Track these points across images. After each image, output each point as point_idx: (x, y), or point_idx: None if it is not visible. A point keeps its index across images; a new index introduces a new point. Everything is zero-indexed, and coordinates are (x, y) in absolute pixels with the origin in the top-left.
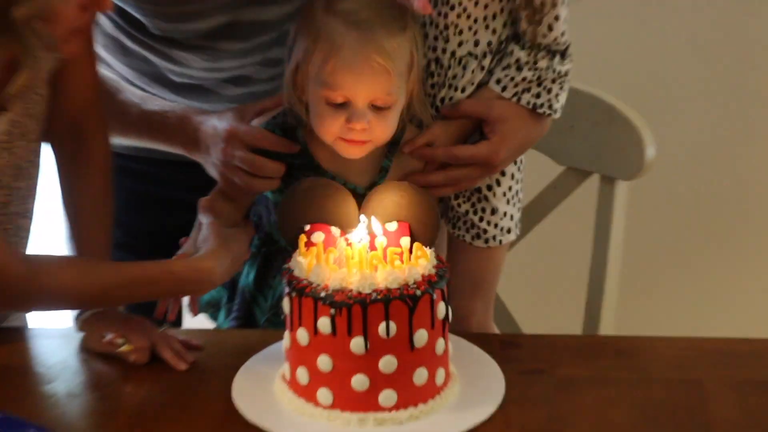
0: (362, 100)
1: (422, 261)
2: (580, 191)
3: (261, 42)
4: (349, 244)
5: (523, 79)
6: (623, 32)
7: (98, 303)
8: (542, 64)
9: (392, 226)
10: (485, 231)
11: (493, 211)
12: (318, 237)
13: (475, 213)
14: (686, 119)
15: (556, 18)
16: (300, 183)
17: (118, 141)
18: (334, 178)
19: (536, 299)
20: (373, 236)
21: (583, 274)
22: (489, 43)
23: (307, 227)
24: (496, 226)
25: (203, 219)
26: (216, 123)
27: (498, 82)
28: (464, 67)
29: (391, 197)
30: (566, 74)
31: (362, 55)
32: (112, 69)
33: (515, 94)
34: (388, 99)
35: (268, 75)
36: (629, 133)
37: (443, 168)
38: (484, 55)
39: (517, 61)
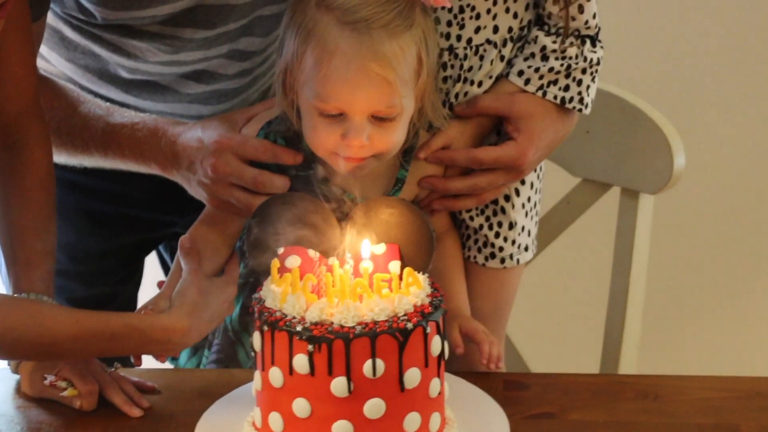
0: (360, 114)
1: (414, 289)
2: (597, 206)
3: (228, 30)
4: (329, 270)
5: (550, 70)
6: (651, 24)
7: (45, 355)
8: (571, 51)
9: (380, 248)
10: (501, 249)
11: (511, 226)
12: (293, 261)
13: (490, 228)
14: (720, 124)
15: None
16: (272, 198)
17: (80, 161)
18: (344, 192)
19: (546, 332)
20: (357, 260)
21: (600, 302)
22: (510, 29)
23: (281, 250)
24: (513, 243)
25: (184, 265)
26: (200, 134)
27: (520, 74)
28: (481, 58)
29: (377, 215)
30: (598, 63)
31: (357, 64)
32: (50, 64)
33: (540, 87)
34: (390, 111)
35: (235, 70)
36: (656, 140)
37: (464, 175)
38: (504, 43)
39: (543, 49)
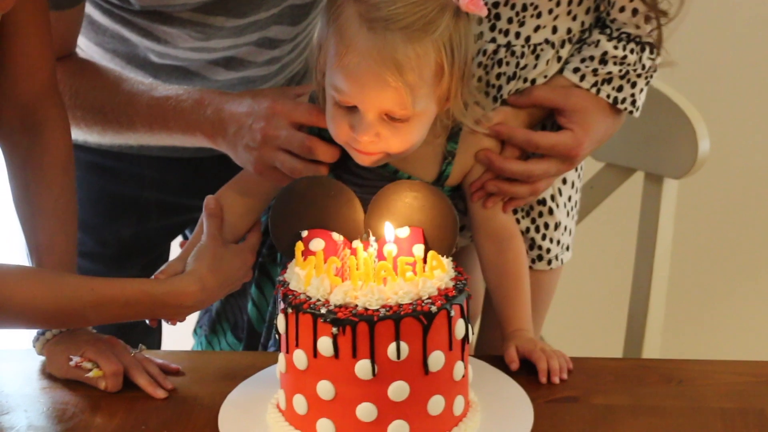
0: (369, 111)
1: (438, 272)
2: (621, 191)
3: (259, 19)
4: (353, 253)
5: (608, 73)
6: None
7: (65, 322)
8: (631, 59)
9: (404, 231)
10: (549, 250)
11: (556, 226)
12: (317, 244)
13: (537, 230)
14: (746, 108)
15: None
16: (296, 182)
17: (125, 139)
18: (396, 171)
19: (569, 317)
20: (381, 243)
21: (624, 287)
22: (569, 30)
23: (305, 233)
24: (558, 243)
25: (206, 227)
26: (250, 101)
27: (575, 71)
28: (537, 57)
29: (402, 198)
30: (655, 70)
31: (367, 64)
32: (78, 48)
33: (594, 84)
34: (402, 113)
35: (264, 58)
36: (680, 124)
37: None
38: (563, 44)
39: (604, 54)
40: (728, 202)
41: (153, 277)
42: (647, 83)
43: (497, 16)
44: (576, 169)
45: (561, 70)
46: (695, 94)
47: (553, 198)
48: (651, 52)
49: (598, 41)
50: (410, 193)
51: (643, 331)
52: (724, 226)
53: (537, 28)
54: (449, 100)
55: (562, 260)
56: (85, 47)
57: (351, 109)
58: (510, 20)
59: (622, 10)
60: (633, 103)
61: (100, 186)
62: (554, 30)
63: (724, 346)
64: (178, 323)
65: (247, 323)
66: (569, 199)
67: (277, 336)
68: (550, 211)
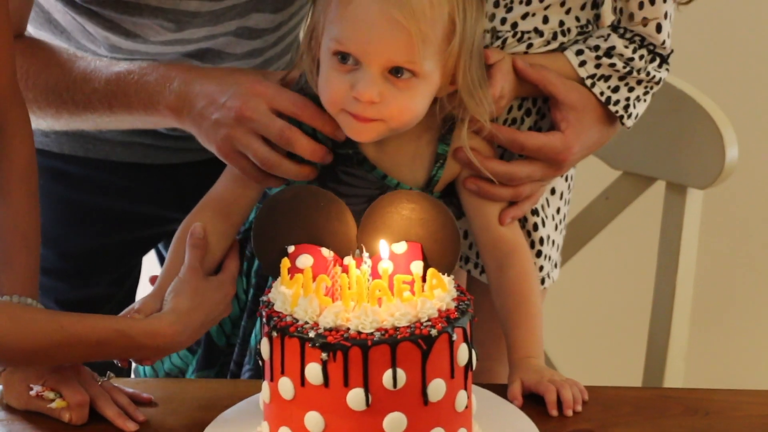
0: (374, 63)
1: (439, 292)
2: (640, 202)
3: (236, 4)
4: (345, 271)
5: (610, 66)
6: (701, 3)
7: (28, 361)
8: (638, 63)
9: (400, 247)
10: (541, 268)
11: (542, 241)
12: (305, 261)
13: (532, 246)
14: None
15: (666, 15)
16: (282, 192)
17: (82, 121)
18: (384, 177)
19: (583, 341)
20: (376, 260)
21: (643, 308)
22: (561, 23)
23: (291, 249)
24: (549, 259)
25: (187, 259)
26: (225, 77)
27: (579, 53)
28: (529, 46)
29: (398, 210)
30: (658, 83)
31: (379, 7)
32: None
33: (592, 76)
34: (409, 65)
35: (244, 50)
36: (706, 130)
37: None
38: (554, 36)
39: (611, 48)
40: (758, 215)
41: (129, 315)
42: (646, 93)
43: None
44: (566, 179)
45: (564, 48)
46: (723, 96)
47: (542, 208)
48: (660, 65)
49: (609, 35)
50: (407, 204)
51: (665, 358)
52: (753, 241)
53: (525, 16)
54: (456, 77)
55: (553, 278)
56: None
57: (350, 67)
58: (496, 4)
59: (630, 19)
60: (626, 108)
61: (64, 194)
62: (545, 20)
63: (756, 374)
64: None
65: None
66: (557, 211)
67: (260, 361)
68: (543, 223)
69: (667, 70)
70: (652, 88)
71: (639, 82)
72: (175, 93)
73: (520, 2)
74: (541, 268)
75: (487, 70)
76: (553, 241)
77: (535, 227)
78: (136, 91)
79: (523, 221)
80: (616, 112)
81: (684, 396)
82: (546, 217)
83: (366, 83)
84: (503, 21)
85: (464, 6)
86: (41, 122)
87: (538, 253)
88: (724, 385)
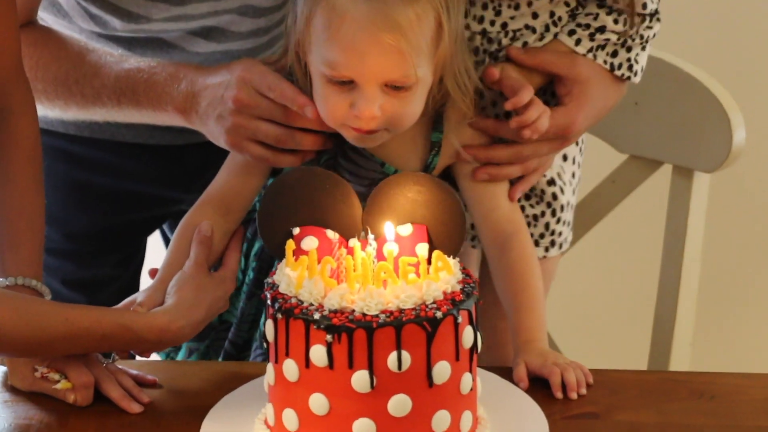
0: (370, 84)
1: (444, 274)
2: (646, 186)
3: None
4: (350, 253)
5: (605, 40)
6: None
7: (34, 353)
8: (630, 32)
9: (406, 229)
10: (560, 233)
11: (563, 208)
12: (310, 243)
13: (553, 214)
14: None
15: None
16: (287, 174)
17: (90, 114)
18: (383, 165)
19: (589, 325)
20: (381, 242)
21: (649, 292)
22: (552, 14)
23: (297, 230)
24: (567, 224)
25: (192, 255)
26: (224, 72)
27: (571, 33)
28: (525, 44)
29: (404, 192)
30: (653, 36)
31: (368, 32)
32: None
33: (591, 49)
34: (404, 80)
35: (248, 28)
36: (713, 113)
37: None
38: (547, 28)
39: (602, 27)
40: (765, 198)
41: (132, 308)
42: (643, 48)
43: (471, 2)
44: (576, 143)
45: (556, 34)
46: (730, 79)
47: (560, 176)
48: (650, 22)
49: (597, 15)
50: (413, 186)
51: (671, 341)
52: (761, 225)
53: (514, 17)
54: (444, 68)
55: (570, 242)
56: (52, 23)
57: (346, 87)
58: (485, 6)
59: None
60: (630, 68)
61: (68, 175)
62: (534, 16)
63: (762, 358)
64: None
65: None
66: (573, 175)
67: (264, 343)
68: (562, 191)
69: (658, 20)
70: (647, 43)
71: (634, 40)
72: (183, 94)
73: (509, 6)
74: (560, 234)
75: (495, 85)
76: (572, 206)
77: (554, 196)
78: (145, 90)
79: (540, 195)
80: (622, 75)
81: (689, 379)
82: (564, 183)
83: (365, 102)
84: (492, 23)
85: (448, 5)
86: (49, 113)
87: (558, 221)
88: (729, 368)
